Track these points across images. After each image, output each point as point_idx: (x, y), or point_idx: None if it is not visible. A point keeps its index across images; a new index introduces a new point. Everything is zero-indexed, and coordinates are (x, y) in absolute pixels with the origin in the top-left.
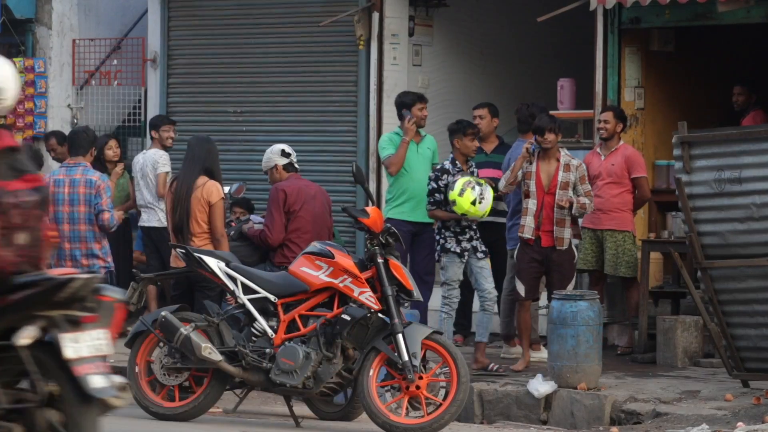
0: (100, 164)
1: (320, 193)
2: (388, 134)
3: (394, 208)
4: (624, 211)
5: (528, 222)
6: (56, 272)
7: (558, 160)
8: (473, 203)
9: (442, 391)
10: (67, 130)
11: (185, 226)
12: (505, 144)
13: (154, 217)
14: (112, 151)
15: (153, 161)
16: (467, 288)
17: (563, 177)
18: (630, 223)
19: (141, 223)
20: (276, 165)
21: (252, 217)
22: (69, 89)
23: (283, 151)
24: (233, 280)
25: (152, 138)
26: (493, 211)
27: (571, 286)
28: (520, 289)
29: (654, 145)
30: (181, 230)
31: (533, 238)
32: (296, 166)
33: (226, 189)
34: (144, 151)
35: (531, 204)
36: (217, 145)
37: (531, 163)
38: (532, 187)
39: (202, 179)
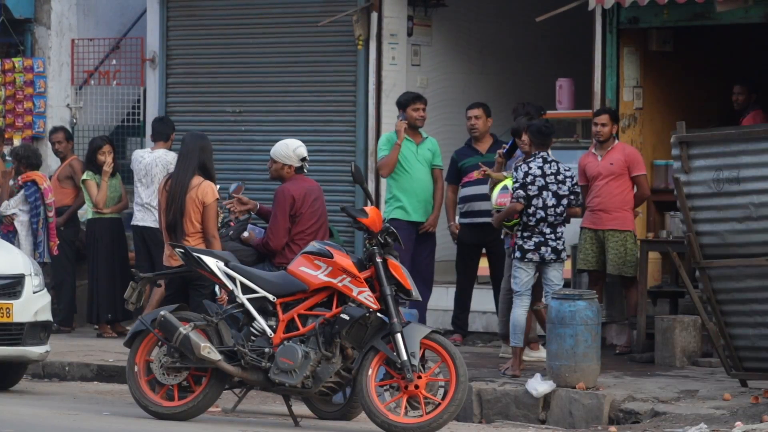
0: (94, 166)
1: (320, 192)
2: (387, 134)
3: (396, 209)
4: (626, 210)
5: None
6: None
7: None
8: None
9: (441, 391)
10: None
11: (179, 225)
12: (499, 142)
13: (150, 217)
14: (104, 156)
15: (165, 162)
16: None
17: None
18: (631, 222)
19: (135, 222)
20: (291, 165)
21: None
22: (68, 89)
23: (304, 158)
24: (232, 279)
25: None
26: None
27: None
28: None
29: (652, 145)
30: (174, 229)
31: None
32: (305, 171)
33: (218, 187)
34: (149, 150)
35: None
36: (211, 142)
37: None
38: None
39: (198, 179)
